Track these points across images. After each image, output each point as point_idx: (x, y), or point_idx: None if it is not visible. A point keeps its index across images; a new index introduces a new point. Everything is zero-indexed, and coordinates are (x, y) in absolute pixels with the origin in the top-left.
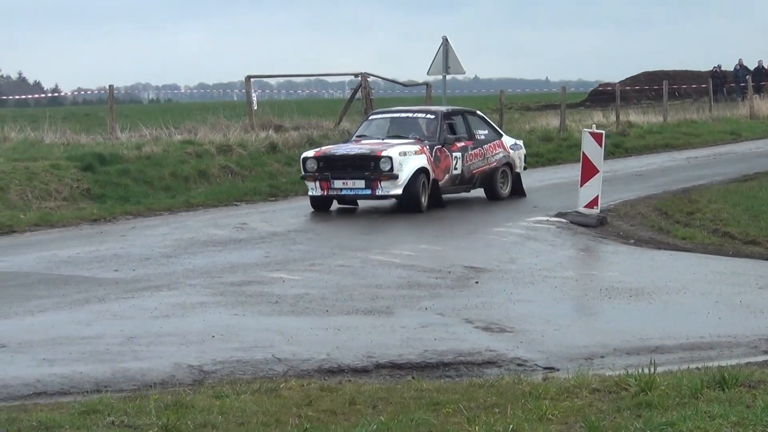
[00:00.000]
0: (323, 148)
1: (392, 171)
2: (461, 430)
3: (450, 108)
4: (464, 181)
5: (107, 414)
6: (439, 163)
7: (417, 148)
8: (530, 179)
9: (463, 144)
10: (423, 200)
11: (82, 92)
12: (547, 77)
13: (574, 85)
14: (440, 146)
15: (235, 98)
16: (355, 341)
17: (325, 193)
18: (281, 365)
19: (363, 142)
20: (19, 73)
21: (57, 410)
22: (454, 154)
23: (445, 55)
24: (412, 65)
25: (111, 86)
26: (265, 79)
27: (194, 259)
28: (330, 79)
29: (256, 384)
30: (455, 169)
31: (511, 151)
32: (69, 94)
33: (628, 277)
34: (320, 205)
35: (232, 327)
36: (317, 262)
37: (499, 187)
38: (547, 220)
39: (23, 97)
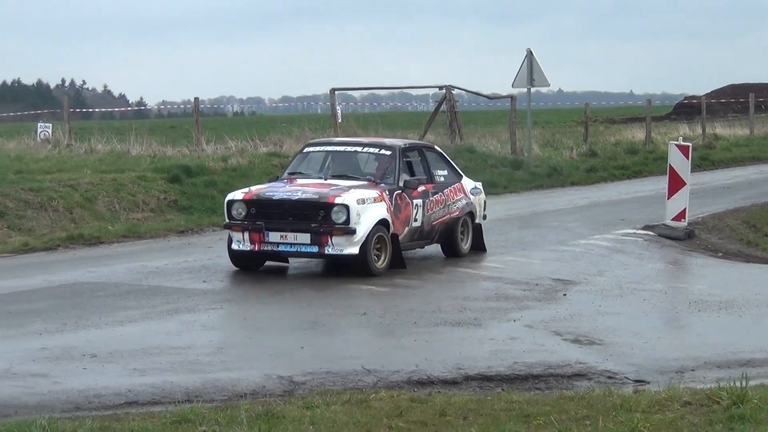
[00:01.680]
0: (254, 188)
1: (348, 224)
2: None
3: (407, 142)
4: (423, 235)
5: (199, 423)
6: (399, 212)
7: (375, 194)
8: (615, 191)
9: (423, 188)
10: (381, 261)
11: (167, 105)
12: (631, 90)
13: (659, 98)
14: (400, 191)
15: (319, 111)
16: (443, 353)
17: (256, 248)
18: (371, 376)
19: (298, 182)
20: (105, 86)
21: (149, 419)
22: (415, 201)
23: (530, 68)
24: (496, 78)
25: (196, 99)
26: (348, 92)
27: None
28: (414, 92)
29: (346, 395)
30: (415, 220)
31: (471, 196)
32: (154, 107)
33: (717, 290)
34: (246, 264)
35: (321, 339)
36: (405, 273)
37: (460, 241)
38: (635, 232)
39: (109, 110)
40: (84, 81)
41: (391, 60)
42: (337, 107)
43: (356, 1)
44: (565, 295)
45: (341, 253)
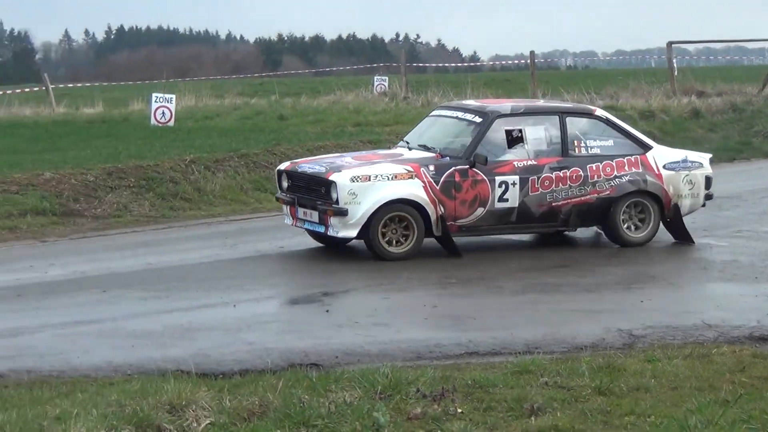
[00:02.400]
0: (303, 159)
1: (338, 204)
2: None
3: (519, 106)
4: (530, 218)
5: (540, 374)
6: (455, 192)
7: (400, 169)
8: None
9: (530, 163)
10: (403, 246)
11: (500, 59)
12: None
13: None
14: (466, 167)
15: (653, 64)
16: None
17: (295, 223)
18: (711, 331)
19: (362, 153)
20: (438, 40)
21: (489, 370)
22: (501, 179)
23: None
24: None
25: (532, 52)
26: (683, 46)
27: None
28: (750, 45)
29: (687, 349)
30: (503, 200)
31: (666, 172)
32: (486, 61)
33: None
34: (318, 239)
35: (660, 293)
36: (745, 230)
37: (621, 226)
38: None
39: (442, 64)
40: (418, 35)
41: (731, 12)
42: (673, 61)
43: None
44: None
45: (337, 235)
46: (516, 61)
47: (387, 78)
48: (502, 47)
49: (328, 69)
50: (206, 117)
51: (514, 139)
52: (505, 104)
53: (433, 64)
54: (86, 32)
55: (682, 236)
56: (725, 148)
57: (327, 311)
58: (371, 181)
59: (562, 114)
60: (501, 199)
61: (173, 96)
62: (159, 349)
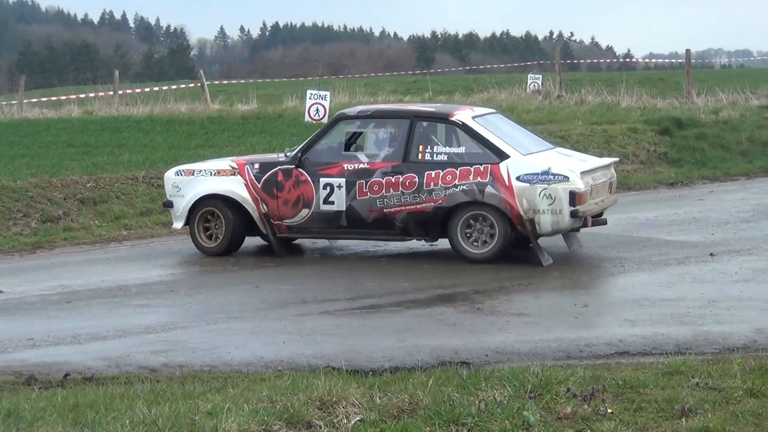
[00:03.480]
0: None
1: (167, 196)
2: None
3: (371, 109)
4: (361, 224)
5: (691, 375)
6: (276, 191)
7: (223, 165)
8: None
9: (361, 166)
10: (215, 241)
11: (654, 57)
12: None
13: None
14: (290, 167)
15: None
16: None
17: None
18: None
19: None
20: (592, 38)
21: (640, 370)
22: (326, 181)
23: None
24: None
25: (688, 50)
26: None
27: None
28: None
29: None
30: (328, 202)
31: (519, 184)
32: (641, 59)
33: None
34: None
35: None
36: None
37: (458, 239)
38: None
39: (596, 61)
40: (572, 33)
41: None
42: None
43: None
44: None
45: (173, 227)
46: (670, 60)
47: (541, 76)
48: (656, 46)
49: (481, 67)
50: None
51: (351, 142)
52: (357, 107)
53: (586, 61)
54: (241, 29)
55: (541, 253)
56: None
57: (478, 309)
58: (194, 176)
59: (414, 118)
60: (326, 201)
61: (328, 93)
62: (309, 346)
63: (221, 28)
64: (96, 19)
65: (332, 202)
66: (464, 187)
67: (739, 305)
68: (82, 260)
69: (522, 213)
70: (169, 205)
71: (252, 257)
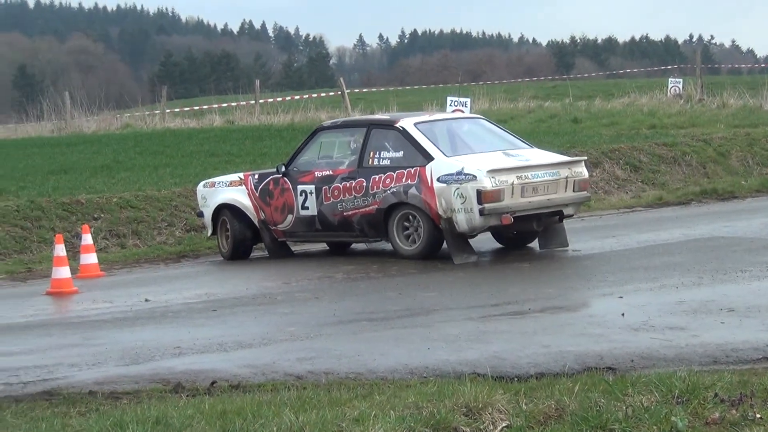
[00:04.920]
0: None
1: (199, 207)
2: None
3: (339, 120)
4: (331, 227)
5: None
6: (270, 199)
7: (234, 177)
8: None
9: (326, 173)
10: (228, 246)
11: None
12: None
13: None
14: (278, 176)
15: None
16: None
17: None
18: None
19: None
20: (732, 41)
21: None
22: (300, 188)
23: None
24: None
25: None
26: None
27: None
28: None
29: None
30: (304, 208)
31: (438, 185)
32: None
33: None
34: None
35: None
36: None
37: (395, 238)
38: None
39: (736, 65)
40: (712, 36)
41: None
42: None
43: None
44: None
45: (208, 235)
46: None
47: (681, 80)
48: None
49: (620, 71)
50: (500, 120)
51: (323, 151)
52: (331, 120)
53: (727, 65)
54: (380, 37)
55: (455, 251)
56: None
57: (623, 315)
58: (215, 187)
59: (370, 126)
60: (303, 207)
61: (468, 99)
62: (454, 353)
63: (360, 36)
64: (236, 29)
65: (307, 208)
66: (394, 189)
67: None
68: (226, 269)
69: (441, 212)
70: (200, 215)
71: (395, 264)
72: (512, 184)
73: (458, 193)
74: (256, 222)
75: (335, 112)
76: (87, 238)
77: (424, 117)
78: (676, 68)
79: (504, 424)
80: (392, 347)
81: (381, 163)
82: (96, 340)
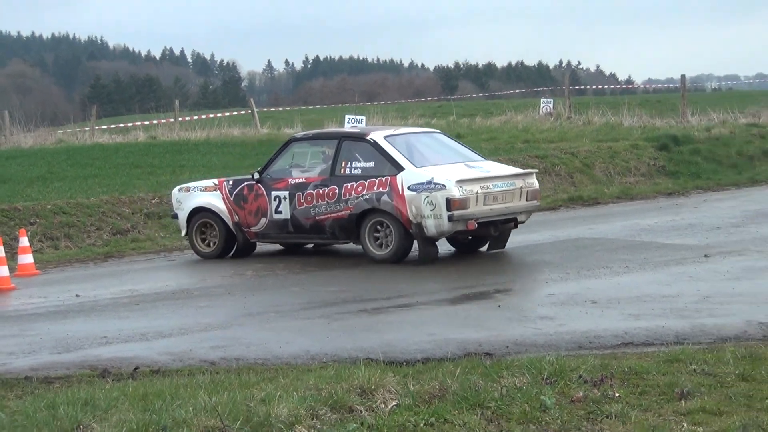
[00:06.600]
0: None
1: (174, 209)
2: None
3: (311, 132)
4: (303, 230)
5: (689, 363)
6: (244, 203)
7: (209, 183)
8: None
9: (299, 181)
10: (209, 246)
11: (652, 82)
12: None
13: None
14: (252, 182)
15: None
16: None
17: None
18: None
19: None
20: (597, 66)
21: (643, 359)
22: (275, 194)
23: None
24: None
25: (683, 76)
26: None
27: (760, 228)
28: None
29: None
30: (277, 212)
31: (409, 193)
32: (641, 84)
33: None
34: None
35: None
36: None
37: (366, 242)
38: None
39: (600, 87)
40: (579, 62)
41: None
42: None
43: None
44: None
45: (182, 235)
46: (666, 85)
47: (552, 100)
48: (654, 72)
49: (499, 93)
50: None
51: (295, 160)
52: (303, 132)
53: (592, 87)
54: (286, 62)
55: (423, 252)
56: None
57: (499, 306)
58: (190, 192)
59: (341, 138)
60: (277, 211)
61: (364, 117)
62: (351, 341)
63: (268, 61)
64: (158, 55)
65: (281, 212)
66: (367, 196)
67: (731, 300)
68: (148, 267)
69: (411, 218)
70: (175, 217)
71: (299, 263)
72: (476, 193)
73: (428, 201)
74: (230, 224)
75: (246, 128)
76: (24, 241)
77: (391, 131)
78: (547, 90)
79: (394, 403)
80: (296, 336)
81: (353, 172)
82: (31, 331)
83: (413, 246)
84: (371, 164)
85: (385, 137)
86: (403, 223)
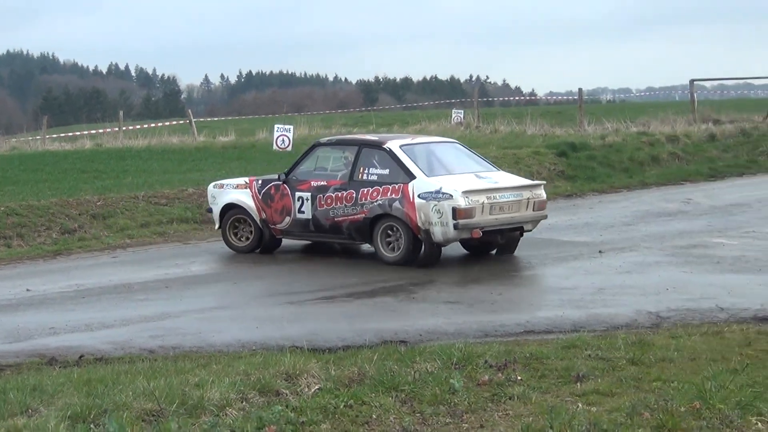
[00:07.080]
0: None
1: (209, 204)
2: None
3: (334, 138)
4: (322, 229)
5: (584, 348)
6: (270, 201)
7: (241, 181)
8: None
9: (321, 183)
10: (239, 240)
11: (553, 95)
12: None
13: None
14: (279, 183)
15: (677, 98)
16: None
17: None
18: (723, 313)
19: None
20: (504, 80)
21: (543, 345)
22: (298, 194)
23: None
24: None
25: (580, 89)
26: (702, 83)
27: (649, 226)
28: (756, 82)
29: (704, 327)
30: (300, 212)
31: (419, 200)
32: (543, 97)
33: None
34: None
35: (682, 282)
36: (752, 230)
37: (378, 245)
38: None
39: (506, 99)
40: (487, 76)
41: (740, 55)
42: (694, 95)
43: (717, 6)
44: None
45: (215, 228)
46: (566, 97)
47: (462, 111)
48: (555, 85)
49: (415, 104)
50: None
51: (319, 163)
52: (327, 137)
53: (499, 99)
54: (222, 76)
55: (427, 260)
56: (736, 165)
57: (413, 298)
58: (224, 188)
59: (361, 145)
60: (300, 211)
61: (291, 126)
62: (278, 330)
63: (206, 76)
64: (104, 70)
65: (303, 212)
66: (380, 201)
67: (622, 292)
68: (93, 264)
69: (420, 224)
70: (210, 211)
71: (232, 260)
72: (482, 203)
73: (436, 209)
74: (257, 220)
75: (184, 137)
76: None
77: (408, 140)
78: (458, 102)
79: (317, 387)
80: (228, 326)
81: (369, 178)
82: None
83: (421, 250)
84: (386, 171)
85: (401, 146)
86: (412, 228)
